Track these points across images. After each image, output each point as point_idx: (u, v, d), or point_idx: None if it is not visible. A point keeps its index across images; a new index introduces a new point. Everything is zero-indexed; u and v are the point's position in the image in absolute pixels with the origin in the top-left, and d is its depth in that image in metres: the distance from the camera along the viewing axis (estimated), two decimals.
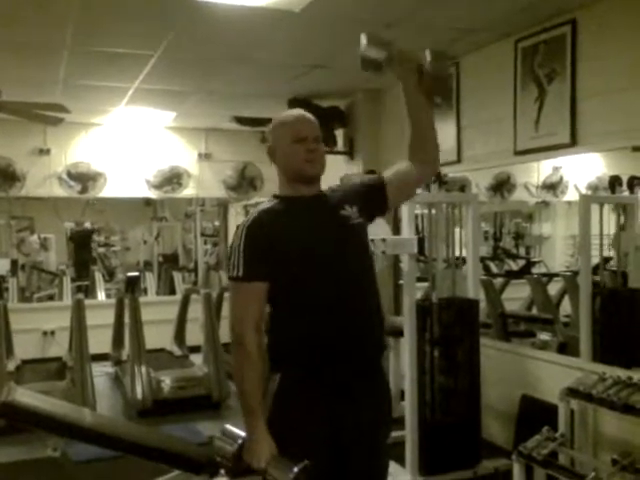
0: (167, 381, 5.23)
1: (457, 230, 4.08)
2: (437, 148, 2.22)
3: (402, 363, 3.91)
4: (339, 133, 6.02)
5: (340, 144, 6.03)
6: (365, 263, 2.03)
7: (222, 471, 2.82)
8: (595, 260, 3.97)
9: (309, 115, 2.04)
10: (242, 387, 1.89)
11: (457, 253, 4.06)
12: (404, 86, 2.08)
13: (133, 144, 7.24)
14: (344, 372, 1.92)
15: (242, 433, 1.94)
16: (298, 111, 2.08)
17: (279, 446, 1.87)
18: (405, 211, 3.74)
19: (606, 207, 3.94)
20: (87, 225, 10.13)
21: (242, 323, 1.89)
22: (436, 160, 2.23)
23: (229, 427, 2.03)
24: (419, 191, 3.97)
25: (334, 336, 1.89)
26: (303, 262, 1.90)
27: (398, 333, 3.90)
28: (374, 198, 2.08)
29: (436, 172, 2.18)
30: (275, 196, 2.04)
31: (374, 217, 2.14)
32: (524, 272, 6.35)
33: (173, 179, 7.41)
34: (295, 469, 1.77)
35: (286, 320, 1.95)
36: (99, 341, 5.87)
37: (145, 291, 8.05)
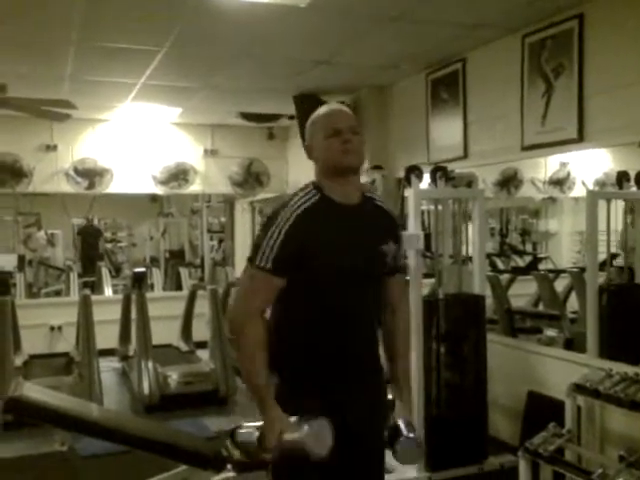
0: (174, 376, 5.25)
1: (464, 226, 4.08)
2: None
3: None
4: None
5: None
6: (377, 299, 2.05)
7: (229, 466, 2.83)
8: (602, 256, 3.96)
9: (343, 107, 2.03)
10: (249, 373, 1.90)
11: (463, 249, 4.05)
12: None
13: (139, 140, 7.25)
14: (342, 381, 1.95)
15: (258, 422, 1.95)
16: (331, 105, 2.07)
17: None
18: (411, 207, 3.74)
19: (614, 203, 3.93)
20: (95, 222, 10.19)
21: (249, 308, 1.89)
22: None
23: (245, 423, 2.05)
24: (426, 186, 3.98)
25: (335, 350, 1.93)
26: (329, 274, 1.90)
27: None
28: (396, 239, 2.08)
29: None
30: (316, 186, 1.97)
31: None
32: (531, 268, 6.34)
33: (179, 175, 7.41)
34: (305, 427, 1.79)
35: (293, 322, 1.96)
36: (106, 336, 5.88)
37: (152, 287, 8.07)
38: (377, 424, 2.01)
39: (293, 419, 1.84)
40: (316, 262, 1.87)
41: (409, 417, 2.02)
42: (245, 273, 1.95)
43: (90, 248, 9.78)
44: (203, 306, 5.94)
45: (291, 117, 6.45)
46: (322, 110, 2.02)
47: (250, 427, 2.00)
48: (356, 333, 1.97)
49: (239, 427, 2.06)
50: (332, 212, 1.93)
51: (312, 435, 1.79)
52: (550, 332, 5.10)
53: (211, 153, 7.56)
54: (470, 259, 4.07)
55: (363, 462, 2.00)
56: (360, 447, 1.96)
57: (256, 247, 1.90)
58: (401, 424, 1.97)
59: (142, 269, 6.43)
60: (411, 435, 1.94)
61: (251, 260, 1.90)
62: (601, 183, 5.33)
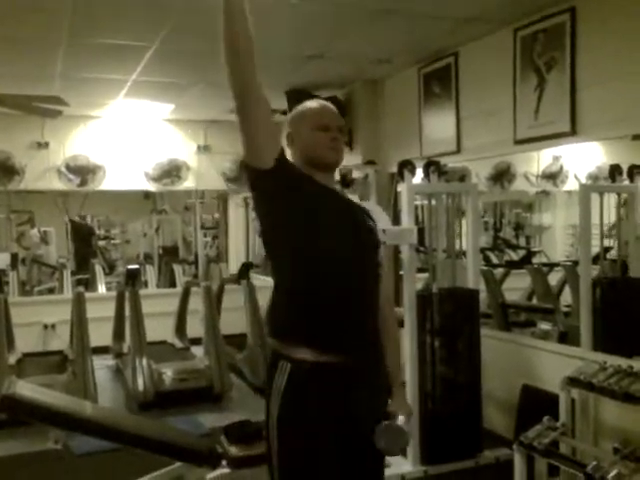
0: (168, 373, 5.24)
1: (457, 220, 4.08)
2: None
3: (402, 354, 3.91)
4: None
5: None
6: (377, 271, 2.02)
7: (224, 462, 2.83)
8: (595, 250, 3.97)
9: (332, 106, 2.06)
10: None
11: (457, 244, 4.05)
12: None
13: (132, 137, 7.23)
14: (353, 352, 1.89)
15: None
16: (321, 101, 2.10)
17: (291, 440, 1.85)
18: (404, 202, 3.74)
19: (606, 196, 3.94)
20: (88, 219, 10.15)
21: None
22: None
23: None
24: (419, 181, 3.98)
25: (342, 316, 1.87)
26: (336, 238, 1.88)
27: (398, 324, 3.89)
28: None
29: None
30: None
31: None
32: (524, 262, 6.36)
33: (172, 172, 7.39)
34: None
35: (294, 288, 1.91)
36: (100, 334, 5.87)
37: (145, 284, 8.05)
38: (374, 412, 1.95)
39: None
40: (321, 205, 1.89)
41: (400, 409, 1.98)
42: None
43: (83, 245, 9.74)
44: (197, 303, 5.93)
45: (283, 112, 6.43)
46: (312, 103, 2.05)
47: None
48: (361, 302, 1.92)
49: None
50: (318, 184, 1.95)
51: None
52: (544, 326, 5.12)
53: (204, 149, 7.54)
54: (464, 253, 4.07)
55: (362, 443, 1.94)
56: (359, 428, 1.92)
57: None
58: (390, 413, 1.95)
59: (136, 266, 6.42)
60: (397, 422, 1.91)
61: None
62: (594, 176, 5.35)
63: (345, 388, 1.89)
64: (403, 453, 3.61)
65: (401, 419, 1.93)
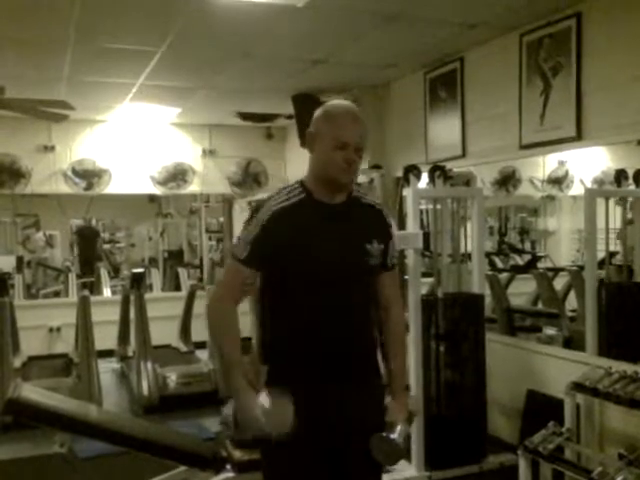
0: (173, 377, 5.24)
1: (462, 225, 4.08)
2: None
3: (408, 358, 3.90)
4: None
5: None
6: (364, 299, 2.03)
7: (228, 466, 2.83)
8: (601, 254, 3.96)
9: (358, 116, 1.96)
10: (222, 350, 2.01)
11: (462, 248, 4.05)
12: None
13: (138, 140, 7.25)
14: (328, 373, 1.94)
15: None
16: (352, 110, 1.97)
17: (274, 454, 1.92)
18: (410, 206, 3.74)
19: (612, 201, 3.92)
20: (93, 222, 10.17)
21: (226, 294, 1.99)
22: None
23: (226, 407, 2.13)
24: (424, 186, 3.97)
25: (320, 340, 1.92)
26: (304, 272, 1.92)
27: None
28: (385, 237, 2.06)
29: None
30: (302, 185, 1.98)
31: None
32: (529, 267, 6.34)
33: (178, 175, 7.41)
34: (263, 402, 1.81)
35: (278, 316, 1.98)
36: (105, 337, 5.88)
37: (150, 287, 8.06)
38: (366, 425, 1.96)
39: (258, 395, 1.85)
40: (291, 260, 1.90)
41: (398, 418, 1.98)
42: (227, 260, 2.06)
43: (88, 249, 9.76)
44: (202, 306, 5.91)
45: (289, 117, 6.45)
46: (340, 111, 1.96)
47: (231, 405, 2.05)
48: (338, 332, 1.93)
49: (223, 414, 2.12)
50: (313, 211, 1.95)
51: (269, 412, 1.80)
52: (549, 331, 5.09)
53: (209, 153, 7.56)
54: (469, 258, 4.07)
55: (349, 462, 1.97)
56: (346, 447, 1.95)
57: (237, 239, 1.98)
58: (387, 424, 1.96)
59: (141, 269, 6.42)
60: (391, 436, 1.92)
61: (231, 252, 1.99)
62: (599, 181, 5.33)
63: (328, 405, 1.92)
64: (408, 457, 3.61)
65: (398, 430, 1.94)
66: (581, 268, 4.61)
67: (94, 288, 8.17)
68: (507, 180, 6.04)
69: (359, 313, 2.01)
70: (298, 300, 1.94)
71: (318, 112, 1.99)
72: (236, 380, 1.89)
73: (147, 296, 5.81)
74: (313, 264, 1.92)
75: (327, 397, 1.92)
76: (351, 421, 1.94)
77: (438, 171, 3.89)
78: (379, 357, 2.08)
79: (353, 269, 1.97)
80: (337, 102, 2.02)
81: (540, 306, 5.63)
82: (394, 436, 1.92)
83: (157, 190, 7.48)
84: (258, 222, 1.91)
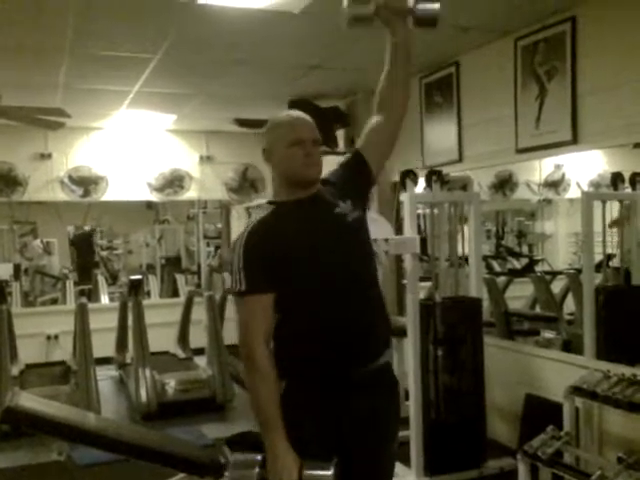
0: (171, 384, 5.23)
1: (460, 229, 4.08)
2: (406, 90, 2.21)
3: (406, 363, 3.91)
4: (340, 133, 6.01)
5: (341, 144, 6.02)
6: (366, 260, 2.01)
7: (227, 473, 2.82)
8: (598, 257, 3.96)
9: (306, 116, 2.00)
10: (257, 403, 1.86)
11: (460, 252, 4.05)
12: (392, 30, 2.12)
13: (134, 147, 7.25)
14: (346, 375, 1.91)
15: (254, 456, 1.90)
16: (294, 112, 2.05)
17: None
18: (407, 211, 3.74)
19: (609, 204, 3.93)
20: (87, 229, 10.16)
21: (251, 337, 1.86)
22: (404, 104, 2.21)
23: (237, 457, 1.99)
24: (421, 190, 3.98)
25: (339, 342, 1.88)
26: (304, 269, 1.88)
27: (401, 333, 3.90)
28: (359, 175, 2.03)
29: (404, 114, 2.15)
30: (270, 202, 2.01)
31: (368, 196, 2.10)
32: (527, 270, 6.34)
33: (175, 182, 7.42)
34: (331, 469, 1.77)
35: (290, 327, 1.92)
36: (103, 344, 5.87)
37: (148, 294, 8.05)
38: (383, 433, 1.97)
39: (312, 464, 1.80)
40: (289, 263, 1.87)
41: None
42: (235, 304, 1.98)
43: (86, 256, 9.75)
44: (200, 312, 5.93)
45: None
46: (284, 117, 2.02)
47: (246, 462, 1.92)
48: (357, 315, 1.91)
49: (233, 463, 1.98)
50: (288, 211, 1.93)
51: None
52: (547, 334, 5.10)
53: (206, 159, 7.56)
54: (466, 262, 4.07)
55: (364, 468, 1.96)
56: (361, 455, 1.94)
57: (230, 275, 1.91)
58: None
59: (138, 276, 6.40)
60: None
61: (230, 289, 1.92)
62: (596, 184, 5.34)
63: (338, 407, 1.90)
64: (407, 462, 3.60)
65: None
66: (578, 271, 4.62)
67: (92, 295, 8.15)
68: (504, 184, 6.05)
69: (372, 294, 1.98)
70: (300, 305, 1.90)
71: (263, 131, 2.05)
72: (273, 440, 1.82)
73: (145, 303, 5.80)
74: (312, 258, 1.89)
75: (345, 409, 1.90)
76: (366, 430, 1.92)
77: (435, 176, 3.90)
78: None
79: (344, 241, 1.93)
80: (276, 115, 2.05)
81: (538, 309, 5.63)
82: None
83: (154, 197, 7.49)
84: (238, 249, 1.88)
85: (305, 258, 1.89)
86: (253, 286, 1.85)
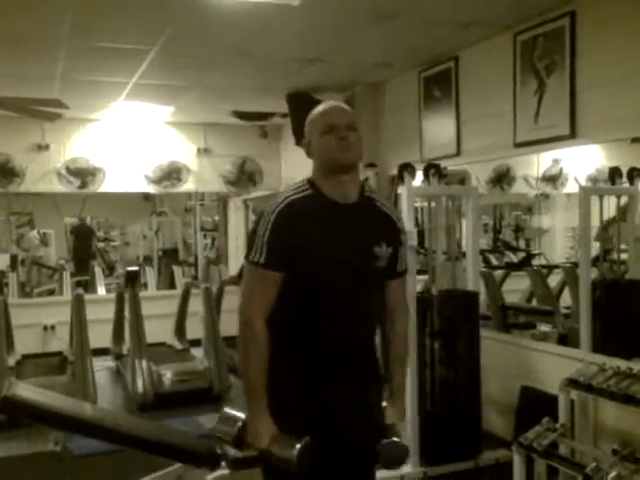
0: (168, 375, 5.25)
1: (457, 223, 4.09)
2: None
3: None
4: None
5: None
6: (373, 304, 2.02)
7: (223, 463, 2.83)
8: (595, 252, 3.97)
9: (340, 104, 2.01)
10: (247, 369, 1.90)
11: (457, 246, 4.06)
12: None
13: (132, 139, 7.23)
14: (331, 377, 1.94)
15: (241, 415, 1.99)
16: (329, 102, 2.03)
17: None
18: (404, 204, 3.75)
19: (606, 199, 3.94)
20: (87, 221, 10.16)
21: (253, 307, 1.89)
22: None
23: (228, 410, 2.08)
24: (419, 184, 3.98)
25: (319, 351, 1.92)
26: (320, 269, 1.89)
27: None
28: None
29: None
30: (310, 182, 1.96)
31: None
32: (524, 264, 6.36)
33: (172, 174, 7.40)
34: (297, 445, 1.81)
35: (288, 317, 1.93)
36: (100, 335, 5.87)
37: (145, 285, 8.06)
38: (367, 428, 1.98)
39: (283, 437, 1.85)
40: (301, 258, 1.86)
41: (397, 422, 2.00)
42: (245, 270, 1.95)
43: (83, 247, 9.75)
44: (197, 304, 5.94)
45: (284, 115, 6.44)
46: (319, 107, 2.00)
47: (232, 416, 2.03)
48: (344, 333, 1.93)
49: (222, 414, 2.07)
50: (322, 208, 1.92)
51: (299, 457, 1.81)
52: (543, 327, 5.12)
53: (204, 152, 7.54)
54: (464, 255, 4.08)
55: (349, 463, 1.98)
56: (347, 448, 1.95)
57: (250, 244, 1.90)
58: (388, 428, 1.99)
59: (135, 268, 6.42)
60: (394, 439, 1.95)
61: (247, 257, 1.91)
62: (593, 179, 5.35)
63: (335, 413, 1.92)
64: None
65: (399, 434, 1.98)
66: (575, 265, 4.64)
67: (89, 286, 8.16)
68: (502, 178, 6.06)
69: (367, 315, 1.99)
70: (304, 304, 1.91)
71: (306, 122, 2.02)
72: (255, 407, 1.88)
73: (142, 294, 5.82)
74: (321, 266, 1.89)
75: (335, 404, 1.92)
76: (352, 424, 1.94)
77: (433, 169, 3.90)
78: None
79: (363, 270, 1.94)
80: (319, 106, 2.03)
81: (534, 303, 5.65)
82: (398, 439, 1.95)
83: (151, 189, 7.47)
84: (268, 221, 1.87)
85: (324, 260, 1.89)
86: (270, 263, 1.85)
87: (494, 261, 6.84)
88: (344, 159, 1.90)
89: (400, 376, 2.13)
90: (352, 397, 1.95)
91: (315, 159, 1.96)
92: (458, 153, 4.72)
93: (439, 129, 4.91)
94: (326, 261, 1.89)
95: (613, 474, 2.58)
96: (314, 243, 1.87)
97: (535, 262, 6.48)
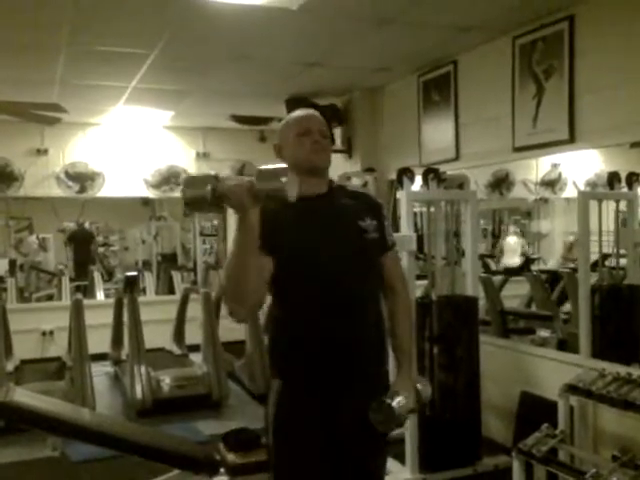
0: (167, 380, 5.23)
1: (456, 227, 4.09)
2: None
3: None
4: (337, 131, 6.01)
5: (338, 142, 6.02)
6: (369, 276, 2.00)
7: (222, 470, 2.82)
8: (594, 257, 3.97)
9: (315, 112, 2.09)
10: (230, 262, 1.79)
11: (456, 250, 4.06)
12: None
13: (131, 144, 7.23)
14: (337, 378, 1.92)
15: (210, 172, 1.82)
16: (304, 110, 2.12)
17: (280, 453, 1.92)
18: (403, 209, 3.74)
19: (605, 204, 3.94)
20: (86, 225, 10.14)
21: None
22: None
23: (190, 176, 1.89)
24: (418, 188, 3.98)
25: (325, 343, 1.90)
26: (304, 262, 1.90)
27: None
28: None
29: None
30: None
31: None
32: (523, 269, 6.36)
33: (171, 178, 7.40)
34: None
35: (281, 320, 1.96)
36: (98, 341, 5.86)
37: (144, 291, 8.04)
38: (375, 434, 1.95)
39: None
40: (291, 251, 1.88)
41: (401, 388, 1.96)
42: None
43: (82, 252, 9.73)
44: (196, 309, 5.92)
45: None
46: (296, 112, 2.09)
47: (199, 179, 1.75)
48: (343, 332, 1.92)
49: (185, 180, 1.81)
50: (295, 205, 1.85)
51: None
52: (543, 333, 5.11)
53: (203, 156, 7.55)
54: (463, 254, 4.07)
55: (354, 461, 1.97)
56: (352, 444, 1.95)
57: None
58: (389, 392, 1.95)
59: (134, 273, 6.40)
60: (387, 401, 1.90)
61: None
62: (592, 184, 5.35)
63: (330, 408, 1.92)
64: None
65: (398, 399, 1.92)
66: (574, 270, 4.63)
67: (87, 291, 8.14)
68: (500, 183, 6.07)
69: (366, 307, 1.98)
70: (297, 302, 1.92)
71: (280, 125, 2.10)
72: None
73: (141, 299, 5.80)
74: (308, 261, 1.90)
75: (338, 406, 1.92)
76: (357, 420, 1.93)
77: (432, 174, 3.90)
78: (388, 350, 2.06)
79: (352, 250, 1.95)
80: (293, 112, 2.11)
81: (534, 308, 5.64)
82: (392, 402, 1.91)
83: (150, 193, 7.47)
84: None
85: (307, 252, 1.90)
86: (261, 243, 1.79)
87: (493, 266, 6.84)
88: (318, 160, 1.98)
89: (407, 347, 2.09)
90: (356, 394, 1.94)
91: (288, 161, 1.96)
92: (457, 157, 4.72)
93: (438, 133, 4.91)
94: (311, 257, 1.90)
95: None
96: (294, 244, 1.89)
97: (534, 267, 6.48)
